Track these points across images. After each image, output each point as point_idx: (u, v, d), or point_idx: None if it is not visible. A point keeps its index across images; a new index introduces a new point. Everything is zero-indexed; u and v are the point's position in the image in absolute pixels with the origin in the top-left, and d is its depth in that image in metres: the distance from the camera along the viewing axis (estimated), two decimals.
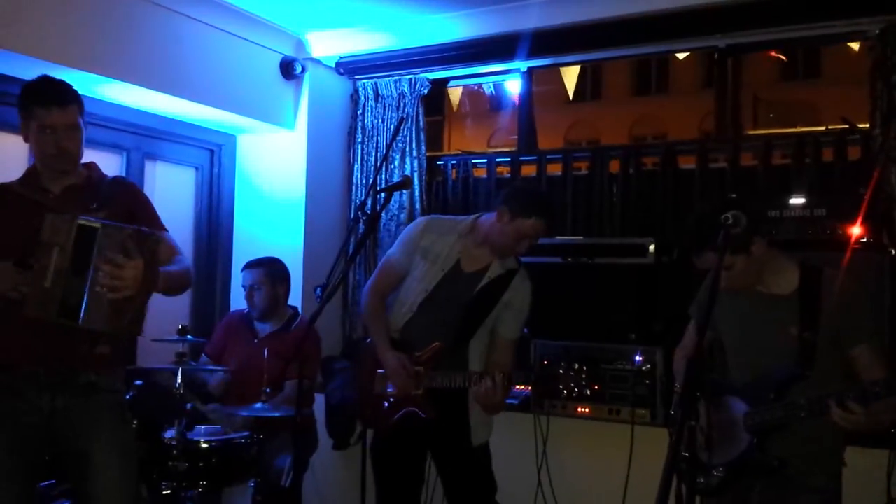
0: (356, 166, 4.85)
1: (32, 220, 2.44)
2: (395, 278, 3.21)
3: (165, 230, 2.72)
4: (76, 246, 2.36)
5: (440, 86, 4.94)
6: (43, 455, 2.63)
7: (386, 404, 3.10)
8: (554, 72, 5.38)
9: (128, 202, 2.67)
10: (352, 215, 4.78)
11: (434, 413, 3.02)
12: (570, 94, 4.95)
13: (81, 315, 2.35)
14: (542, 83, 5.10)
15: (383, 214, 4.69)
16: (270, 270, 4.00)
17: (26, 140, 2.58)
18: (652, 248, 3.72)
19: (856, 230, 3.30)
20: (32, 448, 2.54)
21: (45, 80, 2.57)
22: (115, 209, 2.56)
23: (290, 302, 4.24)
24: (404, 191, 4.52)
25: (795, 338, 2.39)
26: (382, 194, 3.02)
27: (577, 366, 2.86)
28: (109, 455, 2.55)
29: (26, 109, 2.52)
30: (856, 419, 2.17)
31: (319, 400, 4.21)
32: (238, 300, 4.52)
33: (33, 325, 2.41)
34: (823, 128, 4.13)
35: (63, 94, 2.54)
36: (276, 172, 4.80)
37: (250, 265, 4.05)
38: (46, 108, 2.49)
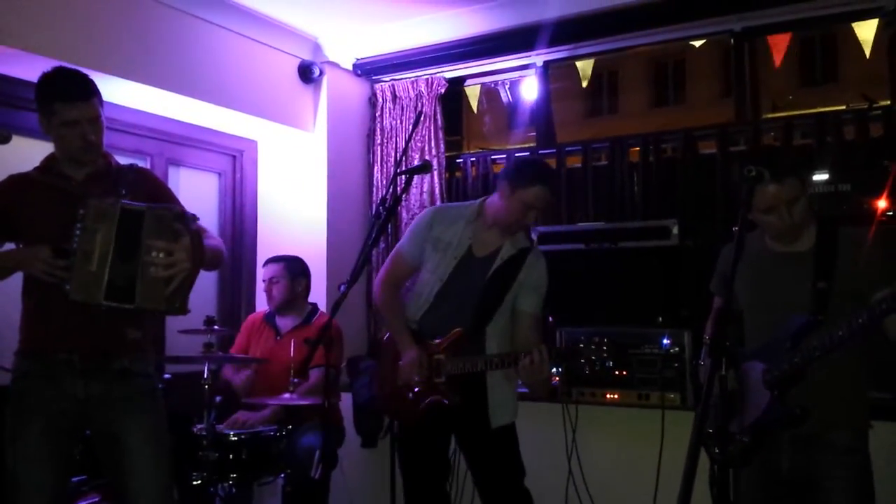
0: (376, 168, 4.89)
1: (61, 207, 2.47)
2: (406, 269, 3.21)
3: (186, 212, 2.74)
4: (120, 230, 2.41)
5: (457, 86, 4.96)
6: (76, 443, 2.64)
7: (410, 396, 3.07)
8: (569, 83, 5.36)
9: (147, 187, 2.69)
10: (373, 211, 4.80)
11: (457, 399, 2.99)
12: (584, 82, 4.90)
13: (136, 295, 2.43)
14: (558, 91, 5.08)
15: (404, 214, 4.72)
16: (288, 265, 4.11)
17: (46, 133, 2.56)
18: (675, 229, 3.68)
19: (882, 203, 3.26)
20: (67, 434, 2.55)
21: (64, 74, 2.54)
22: (138, 194, 2.58)
23: (318, 302, 4.29)
24: (424, 176, 4.57)
25: (810, 289, 2.36)
26: (403, 177, 3.03)
27: (598, 339, 2.81)
28: (143, 438, 2.55)
29: (48, 105, 2.49)
30: None
31: (346, 398, 4.21)
32: (263, 304, 4.55)
33: (68, 313, 2.44)
34: (844, 107, 4.10)
35: (84, 88, 2.52)
36: (297, 176, 4.84)
37: (270, 260, 4.17)
38: (70, 103, 2.47)
